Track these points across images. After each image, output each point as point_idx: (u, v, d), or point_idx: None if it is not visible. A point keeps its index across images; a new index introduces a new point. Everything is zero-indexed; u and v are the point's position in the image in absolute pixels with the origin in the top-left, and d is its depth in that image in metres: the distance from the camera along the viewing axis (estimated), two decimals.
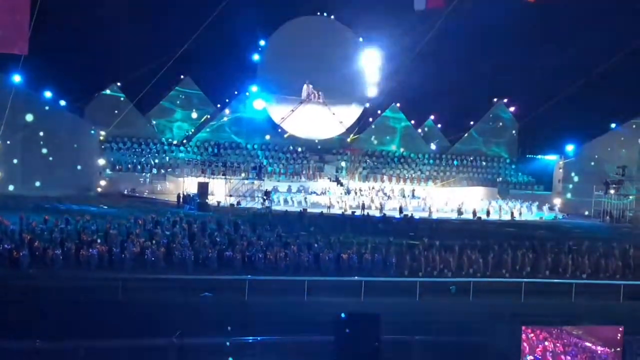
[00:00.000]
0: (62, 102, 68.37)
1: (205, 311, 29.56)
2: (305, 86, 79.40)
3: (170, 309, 29.02)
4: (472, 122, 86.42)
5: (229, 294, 32.04)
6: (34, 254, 35.31)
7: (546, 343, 21.03)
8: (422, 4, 39.92)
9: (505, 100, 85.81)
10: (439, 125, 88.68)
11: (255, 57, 79.46)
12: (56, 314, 27.14)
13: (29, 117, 62.63)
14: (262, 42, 79.17)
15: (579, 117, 76.00)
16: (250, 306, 30.56)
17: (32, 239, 36.84)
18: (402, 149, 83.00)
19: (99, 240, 37.69)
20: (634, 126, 77.09)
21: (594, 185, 71.40)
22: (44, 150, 63.44)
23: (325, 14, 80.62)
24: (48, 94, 66.49)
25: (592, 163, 75.89)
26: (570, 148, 79.49)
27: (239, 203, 63.75)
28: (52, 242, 36.76)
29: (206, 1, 64.23)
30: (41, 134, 63.65)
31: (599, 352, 20.83)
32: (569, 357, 20.84)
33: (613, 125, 78.53)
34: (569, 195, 76.30)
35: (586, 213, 72.34)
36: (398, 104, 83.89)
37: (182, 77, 79.12)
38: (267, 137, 79.83)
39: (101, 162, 69.03)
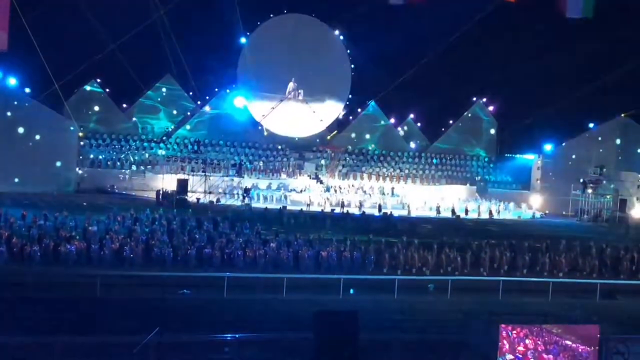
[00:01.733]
0: (41, 98, 67.98)
1: (184, 308, 29.54)
2: (290, 83, 79.35)
3: (149, 305, 28.96)
4: (451, 121, 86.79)
5: (208, 291, 32.03)
6: (11, 250, 35.12)
7: (527, 341, 21.08)
8: None
9: (485, 99, 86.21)
10: (419, 124, 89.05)
11: (236, 54, 79.37)
12: (34, 310, 27.06)
13: (8, 113, 62.32)
14: (243, 40, 79.08)
15: (557, 117, 76.67)
16: (229, 303, 30.56)
17: (9, 235, 36.61)
18: (381, 147, 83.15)
19: (77, 237, 37.53)
20: (611, 126, 77.75)
21: (572, 185, 71.91)
22: (23, 146, 63.11)
23: (305, 12, 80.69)
24: (27, 90, 66.11)
25: (570, 162, 76.45)
26: (548, 147, 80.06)
27: (218, 200, 63.67)
28: (30, 238, 36.57)
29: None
30: (20, 129, 63.32)
31: (580, 350, 20.90)
32: (551, 356, 20.88)
33: (591, 125, 79.24)
34: (546, 195, 76.72)
35: (564, 213, 72.81)
36: (378, 103, 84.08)
37: (162, 73, 78.89)
38: (247, 134, 79.78)
39: (80, 158, 68.65)
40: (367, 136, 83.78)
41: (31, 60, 60.70)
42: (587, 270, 40.78)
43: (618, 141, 76.54)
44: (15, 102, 63.35)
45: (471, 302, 32.81)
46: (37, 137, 64.24)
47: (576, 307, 30.81)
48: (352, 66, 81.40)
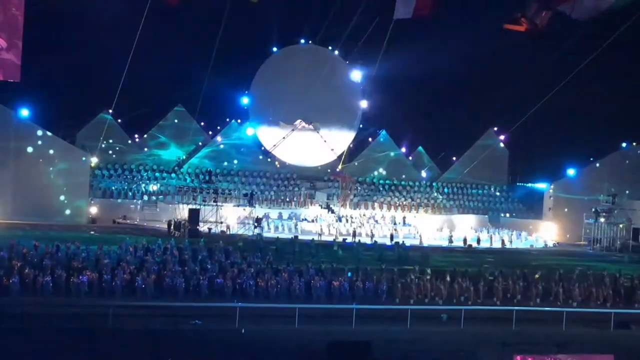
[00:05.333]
0: (54, 129, 68.31)
1: (196, 339, 29.45)
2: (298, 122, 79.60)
3: (161, 336, 28.91)
4: (462, 150, 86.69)
5: (220, 321, 31.92)
6: (24, 280, 35.16)
7: None
8: (407, 12, 38.62)
9: (496, 129, 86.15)
10: (430, 153, 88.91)
11: (247, 84, 79.74)
12: (46, 341, 27.03)
13: (20, 144, 62.67)
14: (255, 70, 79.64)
15: (568, 146, 76.59)
16: (240, 334, 30.44)
17: (22, 266, 36.68)
18: (392, 177, 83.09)
19: (89, 267, 37.55)
20: (623, 154, 77.59)
21: (584, 213, 71.63)
22: (35, 177, 63.38)
23: (316, 43, 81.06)
24: (40, 121, 66.43)
25: (582, 191, 76.16)
26: (560, 176, 79.92)
27: (228, 228, 63.66)
28: (42, 269, 36.60)
29: (199, 29, 64.81)
30: (32, 160, 63.65)
31: None
32: None
33: (603, 154, 79.10)
34: (559, 223, 76.39)
35: (577, 242, 72.47)
36: (389, 132, 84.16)
37: (174, 104, 79.16)
38: (259, 164, 79.91)
39: (92, 188, 68.76)
40: (378, 165, 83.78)
41: (43, 91, 61.16)
42: (601, 299, 40.50)
43: (630, 169, 76.28)
44: (28, 133, 63.68)
45: (485, 332, 32.64)
46: (49, 168, 64.55)
47: None
48: (363, 95, 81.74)
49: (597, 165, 78.68)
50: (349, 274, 40.45)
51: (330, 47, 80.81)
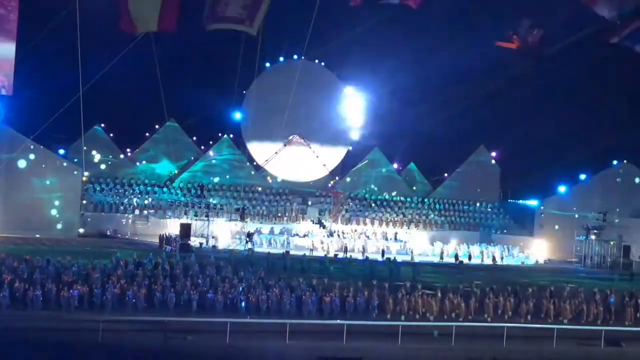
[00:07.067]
0: (46, 143, 68.14)
1: (186, 354, 29.35)
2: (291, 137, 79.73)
3: (151, 351, 28.80)
4: (454, 167, 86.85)
5: (210, 336, 31.81)
6: (14, 294, 34.99)
7: None
8: None
9: (487, 145, 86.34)
10: (422, 169, 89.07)
11: (240, 99, 79.78)
12: (36, 355, 26.92)
13: (12, 157, 62.52)
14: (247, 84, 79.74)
15: (560, 163, 76.84)
16: (231, 349, 30.36)
17: (12, 280, 36.51)
18: (384, 193, 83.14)
19: (79, 281, 37.40)
20: (614, 172, 77.79)
21: (575, 231, 71.75)
22: (27, 190, 63.20)
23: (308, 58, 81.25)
24: (32, 135, 66.28)
25: (574, 208, 76.33)
26: (551, 193, 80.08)
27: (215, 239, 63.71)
28: (32, 283, 36.44)
29: (191, 45, 64.86)
30: (24, 173, 63.49)
31: None
32: None
33: (594, 172, 79.32)
34: (550, 240, 76.47)
35: (568, 259, 72.56)
36: (381, 148, 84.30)
37: (166, 119, 79.07)
38: (250, 179, 79.85)
39: (84, 202, 68.59)
40: (370, 181, 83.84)
41: (35, 104, 61.00)
42: (592, 317, 40.48)
43: (621, 187, 76.51)
44: (19, 146, 63.53)
45: (475, 348, 32.57)
46: (41, 181, 64.40)
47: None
48: (355, 111, 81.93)
49: (588, 182, 78.88)
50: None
51: (322, 63, 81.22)
